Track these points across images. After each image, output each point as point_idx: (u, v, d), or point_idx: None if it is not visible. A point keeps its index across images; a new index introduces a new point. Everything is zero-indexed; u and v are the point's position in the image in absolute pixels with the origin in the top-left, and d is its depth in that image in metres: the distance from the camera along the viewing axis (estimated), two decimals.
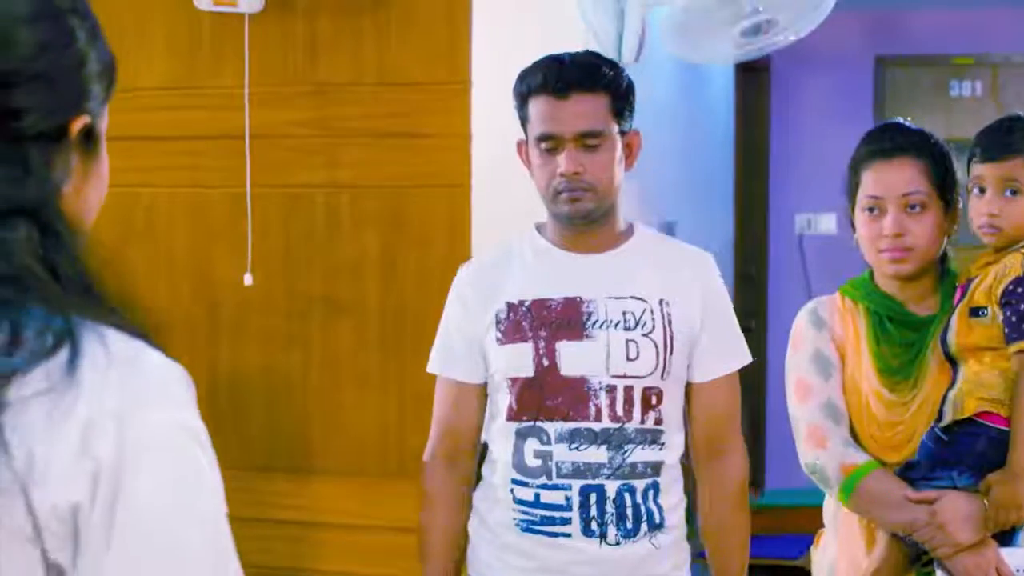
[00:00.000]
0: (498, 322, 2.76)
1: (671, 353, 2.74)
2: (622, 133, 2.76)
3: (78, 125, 1.25)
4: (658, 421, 2.73)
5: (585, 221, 2.75)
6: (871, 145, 2.72)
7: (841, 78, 7.53)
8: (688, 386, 2.81)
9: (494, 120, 3.37)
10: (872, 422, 2.69)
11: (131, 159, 3.60)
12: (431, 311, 2.95)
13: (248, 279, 3.60)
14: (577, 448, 2.70)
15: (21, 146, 1.19)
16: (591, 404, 2.70)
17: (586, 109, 2.70)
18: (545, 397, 2.72)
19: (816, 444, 2.69)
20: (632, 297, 2.75)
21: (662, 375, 2.73)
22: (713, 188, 6.75)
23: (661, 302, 2.75)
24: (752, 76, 7.28)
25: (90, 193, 1.28)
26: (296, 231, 3.63)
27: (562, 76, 2.70)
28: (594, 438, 2.70)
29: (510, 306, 2.76)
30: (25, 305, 1.14)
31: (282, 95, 3.62)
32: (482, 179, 3.38)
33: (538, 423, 2.72)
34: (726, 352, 2.82)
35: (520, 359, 2.73)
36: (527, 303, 2.75)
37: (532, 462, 2.73)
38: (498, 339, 2.76)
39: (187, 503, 1.17)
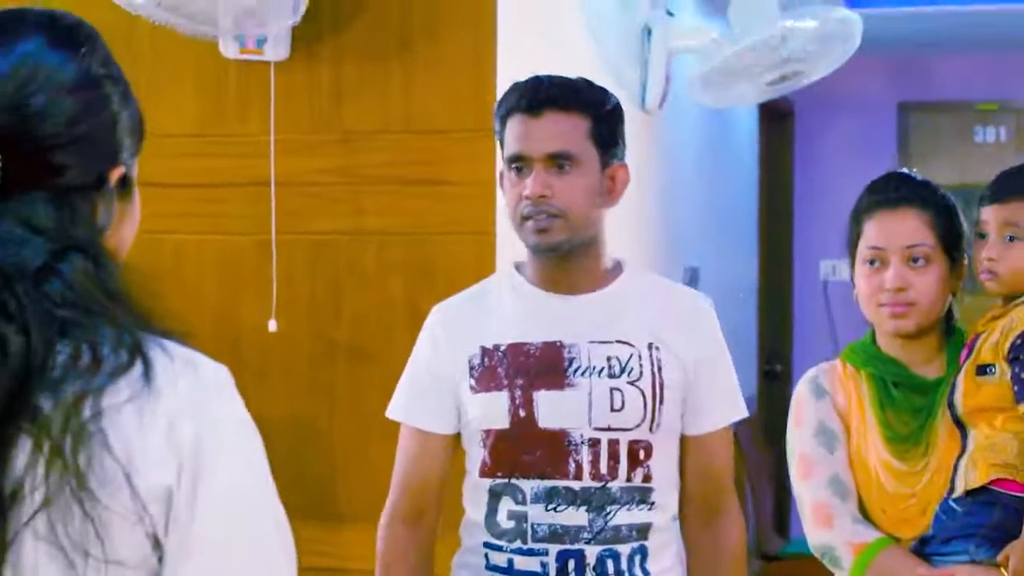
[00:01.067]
0: (471, 368, 2.51)
1: (660, 403, 2.48)
2: (605, 164, 2.51)
3: (115, 175, 1.42)
4: (647, 478, 2.48)
5: (557, 254, 2.50)
6: (874, 195, 2.57)
7: (865, 124, 7.54)
8: (682, 439, 2.55)
9: None
10: (882, 495, 2.52)
11: (159, 205, 3.61)
12: None
13: (273, 325, 3.60)
14: (554, 509, 2.45)
15: (68, 195, 1.36)
16: (571, 460, 2.45)
17: (560, 129, 2.47)
18: (521, 452, 2.47)
19: (823, 523, 2.52)
20: (618, 341, 2.49)
21: (651, 427, 2.48)
22: (737, 233, 6.75)
23: (650, 347, 2.49)
24: (776, 122, 7.29)
25: (125, 231, 1.45)
26: (321, 278, 3.64)
27: (537, 94, 2.49)
28: (573, 498, 2.45)
29: (485, 351, 2.51)
30: (95, 326, 1.31)
31: (308, 143, 3.64)
32: (508, 226, 3.38)
33: (513, 480, 2.48)
34: (724, 403, 2.59)
35: (494, 409, 2.48)
36: (503, 348, 2.50)
37: (506, 524, 2.48)
38: (472, 387, 2.51)
39: (257, 484, 1.37)
